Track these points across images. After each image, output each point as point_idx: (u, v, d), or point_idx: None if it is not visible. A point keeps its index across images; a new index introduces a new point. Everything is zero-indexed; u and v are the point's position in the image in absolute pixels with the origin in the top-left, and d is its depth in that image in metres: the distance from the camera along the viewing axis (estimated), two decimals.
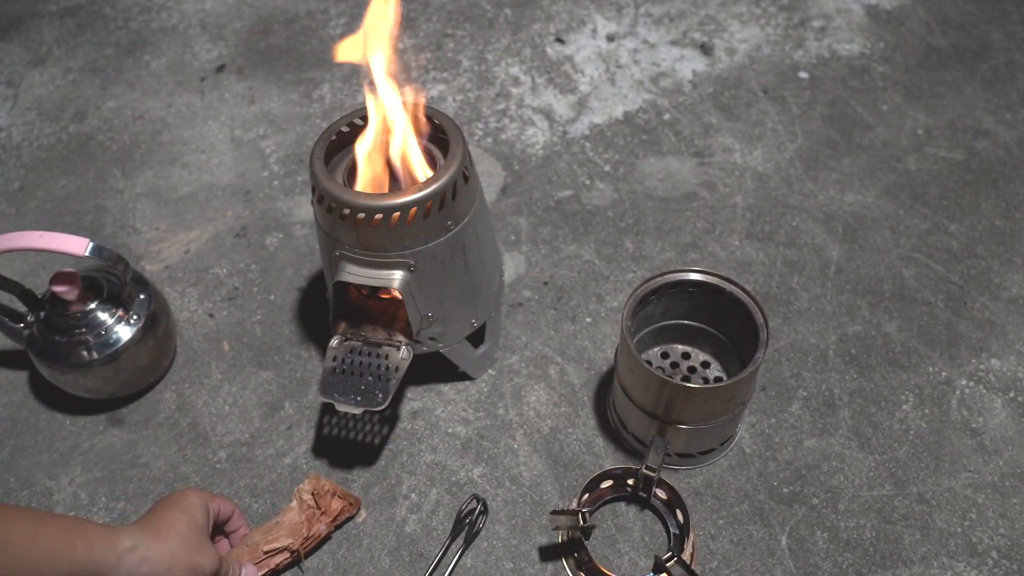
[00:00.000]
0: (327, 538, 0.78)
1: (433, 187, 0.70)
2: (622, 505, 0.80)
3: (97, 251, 0.77)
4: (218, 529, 0.73)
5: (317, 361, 0.93)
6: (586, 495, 0.77)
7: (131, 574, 0.58)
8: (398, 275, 0.74)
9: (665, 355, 0.88)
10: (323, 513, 0.76)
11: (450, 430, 0.86)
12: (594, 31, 1.37)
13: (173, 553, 0.61)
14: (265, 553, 0.72)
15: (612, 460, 0.83)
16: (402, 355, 0.79)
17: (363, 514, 0.80)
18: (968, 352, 0.91)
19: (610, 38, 1.35)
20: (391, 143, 0.75)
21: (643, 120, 1.21)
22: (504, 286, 0.98)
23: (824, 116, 1.20)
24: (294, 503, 0.75)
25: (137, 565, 0.59)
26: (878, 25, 1.35)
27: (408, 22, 1.40)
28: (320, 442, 0.85)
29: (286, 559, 0.74)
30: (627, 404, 0.79)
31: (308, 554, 0.76)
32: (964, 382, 0.89)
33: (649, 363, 0.84)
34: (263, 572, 0.73)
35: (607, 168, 1.14)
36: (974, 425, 0.85)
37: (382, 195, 0.71)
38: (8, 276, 0.84)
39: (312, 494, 0.76)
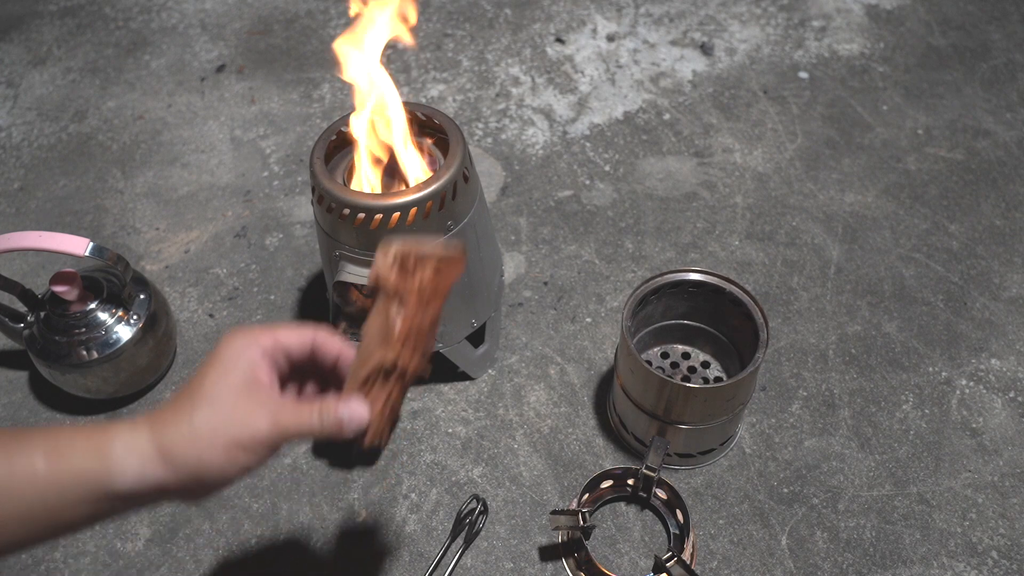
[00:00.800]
0: (437, 322, 0.53)
1: (433, 187, 0.71)
2: (622, 505, 0.80)
3: (97, 251, 0.77)
4: (311, 371, 0.54)
5: None
6: (586, 495, 0.77)
7: (141, 477, 0.44)
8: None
9: (665, 355, 0.88)
10: (402, 299, 0.51)
11: (450, 430, 0.86)
12: (594, 31, 1.37)
13: (197, 434, 0.45)
14: (366, 382, 0.51)
15: (612, 460, 0.83)
16: None
17: (363, 513, 0.80)
18: (968, 352, 0.91)
19: (610, 38, 1.35)
20: (389, 137, 0.75)
21: (643, 120, 1.21)
22: (504, 286, 0.98)
23: (824, 116, 1.20)
24: (375, 304, 0.51)
25: (143, 467, 0.44)
26: (878, 25, 1.35)
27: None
28: (320, 442, 0.85)
29: (395, 385, 0.52)
30: (627, 404, 0.79)
31: (426, 353, 0.54)
32: (964, 382, 0.89)
33: (649, 363, 0.84)
34: (380, 407, 0.51)
35: (607, 168, 1.14)
36: (974, 425, 0.85)
37: (382, 195, 0.71)
38: (8, 276, 0.84)
39: (383, 281, 0.50)
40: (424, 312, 0.51)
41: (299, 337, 0.51)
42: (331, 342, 0.52)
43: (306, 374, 0.54)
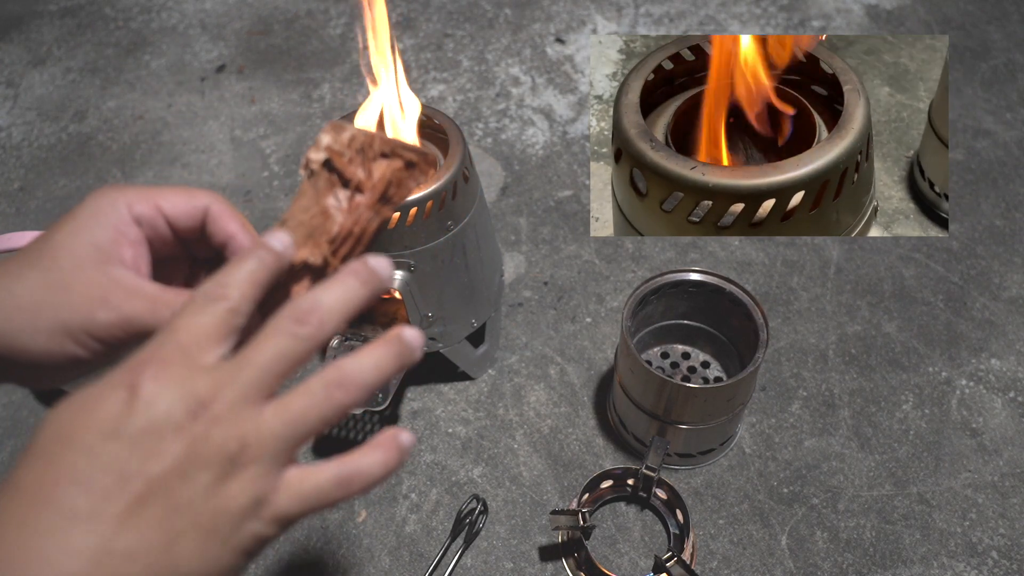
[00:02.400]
0: (382, 230, 0.42)
1: (433, 187, 0.71)
2: (622, 505, 0.80)
3: None
4: (196, 244, 0.40)
5: (317, 361, 0.93)
6: (586, 495, 0.77)
7: None
8: (398, 275, 0.74)
9: (665, 355, 0.88)
10: (356, 190, 0.40)
11: (450, 430, 0.86)
12: (594, 31, 1.37)
13: (17, 304, 0.34)
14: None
15: (612, 460, 0.83)
16: None
17: (363, 513, 0.80)
18: (968, 352, 0.91)
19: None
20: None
21: None
22: (504, 286, 0.98)
23: None
24: (304, 181, 0.40)
25: None
26: (878, 25, 1.35)
27: (408, 22, 1.40)
28: (320, 442, 0.85)
29: (307, 283, 0.39)
30: (627, 404, 0.79)
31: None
32: (964, 382, 0.89)
33: (649, 363, 0.84)
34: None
35: None
36: (974, 425, 0.85)
37: None
38: None
39: (328, 161, 0.39)
40: (375, 214, 0.40)
41: (187, 204, 0.38)
42: (226, 216, 0.39)
43: (204, 261, 0.42)
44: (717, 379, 0.86)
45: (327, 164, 0.39)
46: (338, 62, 1.32)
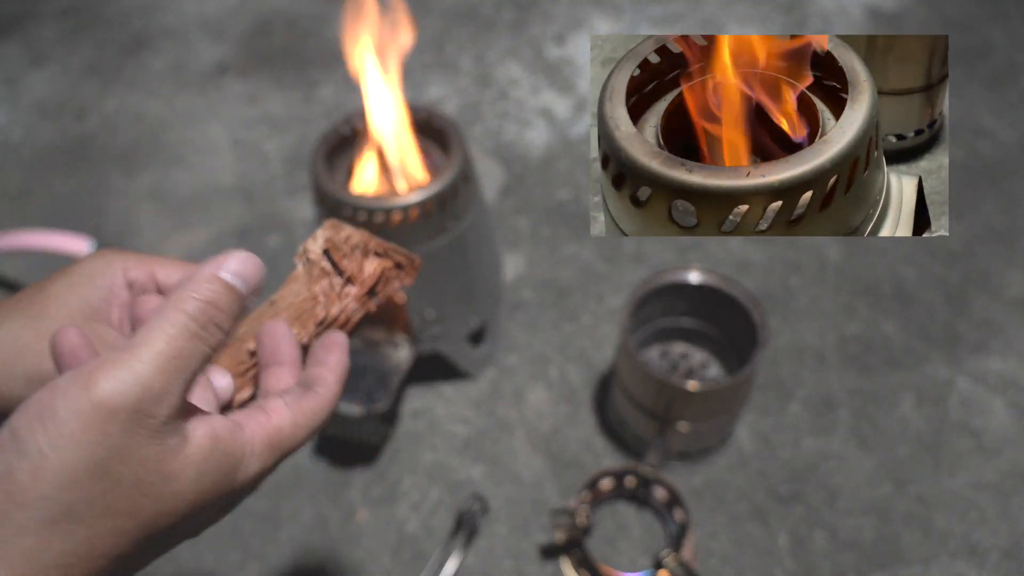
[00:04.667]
0: (365, 321, 0.47)
1: (433, 188, 0.71)
2: (621, 504, 0.80)
3: None
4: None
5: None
6: (586, 494, 0.77)
7: None
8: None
9: (665, 355, 0.88)
10: (347, 281, 0.44)
11: (450, 430, 0.86)
12: (594, 32, 1.37)
13: (4, 341, 0.36)
14: (252, 355, 0.42)
15: (612, 459, 0.83)
16: (403, 355, 0.79)
17: (364, 512, 0.80)
18: (968, 352, 0.91)
19: None
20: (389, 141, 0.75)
21: None
22: (504, 286, 0.98)
23: None
24: (299, 268, 0.44)
25: None
26: (878, 26, 1.35)
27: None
28: (320, 442, 0.86)
29: None
30: (627, 404, 0.80)
31: None
32: (964, 382, 0.89)
33: (648, 363, 0.84)
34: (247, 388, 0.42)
35: None
36: (974, 425, 0.85)
37: (382, 196, 0.71)
38: (8, 276, 0.84)
39: (327, 252, 0.44)
40: (360, 306, 0.44)
41: (182, 275, 0.40)
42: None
43: None
44: (716, 379, 0.86)
45: (326, 255, 0.43)
46: (339, 63, 1.32)
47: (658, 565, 0.70)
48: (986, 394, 0.87)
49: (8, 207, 1.13)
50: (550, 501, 0.80)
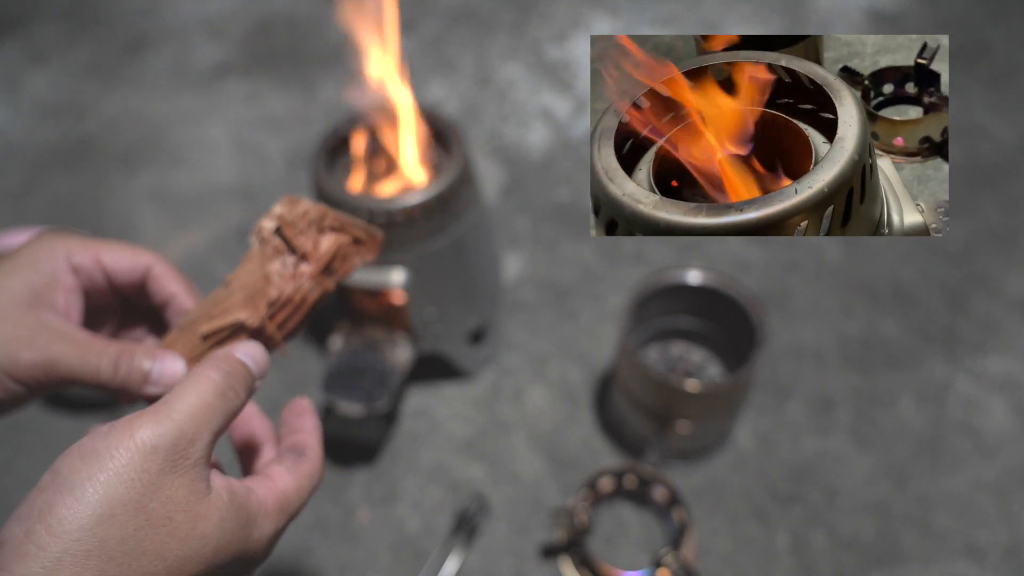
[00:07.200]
0: (323, 302, 0.45)
1: (433, 188, 0.71)
2: (621, 504, 0.80)
3: None
4: (146, 311, 0.44)
5: (318, 361, 0.93)
6: (585, 493, 0.78)
7: None
8: (398, 275, 0.74)
9: (664, 355, 0.88)
10: (301, 259, 0.42)
11: (450, 429, 0.86)
12: (593, 32, 1.37)
13: None
14: (205, 339, 0.41)
15: (611, 459, 0.84)
16: (403, 355, 0.79)
17: (364, 512, 0.80)
18: (968, 352, 0.91)
19: None
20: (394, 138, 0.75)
21: None
22: (504, 286, 0.98)
23: None
24: (254, 247, 0.43)
25: None
26: (878, 27, 1.35)
27: (408, 23, 1.40)
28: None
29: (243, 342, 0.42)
30: (626, 404, 0.80)
31: (291, 335, 0.44)
32: (963, 382, 0.89)
33: (648, 363, 0.84)
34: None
35: None
36: (974, 425, 0.85)
37: (382, 196, 0.71)
38: None
39: (279, 230, 0.42)
40: (316, 284, 0.43)
41: (129, 260, 0.40)
42: (168, 277, 0.42)
43: (139, 313, 0.44)
44: (716, 379, 0.86)
45: (278, 232, 0.42)
46: (340, 63, 1.32)
47: (658, 564, 0.70)
48: (985, 394, 0.88)
49: (8, 207, 1.13)
50: (550, 500, 0.80)
